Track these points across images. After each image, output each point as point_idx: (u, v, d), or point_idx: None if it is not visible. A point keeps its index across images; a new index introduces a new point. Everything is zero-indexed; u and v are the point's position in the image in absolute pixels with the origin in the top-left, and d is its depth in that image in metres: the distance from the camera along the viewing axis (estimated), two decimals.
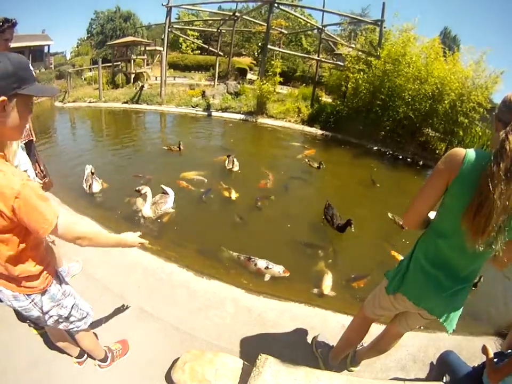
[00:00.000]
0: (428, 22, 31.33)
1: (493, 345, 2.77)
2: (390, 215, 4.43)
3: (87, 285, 2.40)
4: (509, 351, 1.92)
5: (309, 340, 2.31)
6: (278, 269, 3.05)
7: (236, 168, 5.38)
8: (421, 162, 7.96)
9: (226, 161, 5.44)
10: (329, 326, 2.48)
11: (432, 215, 1.41)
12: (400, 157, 8.30)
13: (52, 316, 1.36)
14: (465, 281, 1.35)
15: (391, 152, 8.39)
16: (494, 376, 1.76)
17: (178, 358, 1.86)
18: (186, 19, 22.50)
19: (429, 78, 8.10)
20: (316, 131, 8.54)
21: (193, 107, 10.43)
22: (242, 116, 9.38)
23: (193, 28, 19.21)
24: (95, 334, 1.86)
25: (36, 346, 1.89)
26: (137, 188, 3.85)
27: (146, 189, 3.80)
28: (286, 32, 15.69)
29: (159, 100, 10.61)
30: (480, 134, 8.52)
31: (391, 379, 2.20)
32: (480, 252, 1.18)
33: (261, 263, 3.07)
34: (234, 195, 4.48)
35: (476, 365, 2.11)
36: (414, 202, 1.34)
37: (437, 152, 9.04)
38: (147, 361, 1.93)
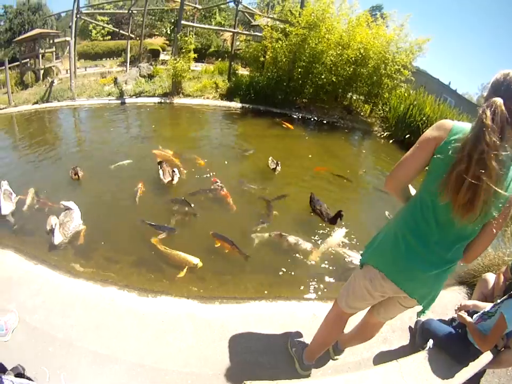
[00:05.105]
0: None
1: (459, 296, 2.87)
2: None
3: (30, 338, 2.04)
4: (487, 309, 1.99)
5: (282, 339, 2.15)
6: (306, 246, 3.16)
7: (177, 179, 4.02)
8: (344, 125, 7.94)
9: (161, 173, 3.98)
10: (299, 318, 2.37)
11: (412, 192, 1.43)
12: (325, 121, 8.19)
13: None
14: (451, 260, 1.31)
15: (315, 118, 8.24)
16: (484, 346, 1.87)
17: None
18: (96, 2, 19.98)
19: (351, 43, 8.05)
20: (236, 105, 8.05)
21: (105, 97, 9.24)
22: (157, 99, 8.48)
23: (103, 11, 17.23)
24: None
25: None
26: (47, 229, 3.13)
27: (53, 221, 3.15)
28: (200, 7, 14.64)
29: (70, 95, 9.30)
30: (406, 95, 8.72)
31: (377, 355, 2.18)
32: (468, 228, 1.20)
33: (291, 239, 3.18)
34: None
35: (454, 323, 2.20)
36: (396, 169, 1.34)
37: (362, 114, 9.21)
38: None
